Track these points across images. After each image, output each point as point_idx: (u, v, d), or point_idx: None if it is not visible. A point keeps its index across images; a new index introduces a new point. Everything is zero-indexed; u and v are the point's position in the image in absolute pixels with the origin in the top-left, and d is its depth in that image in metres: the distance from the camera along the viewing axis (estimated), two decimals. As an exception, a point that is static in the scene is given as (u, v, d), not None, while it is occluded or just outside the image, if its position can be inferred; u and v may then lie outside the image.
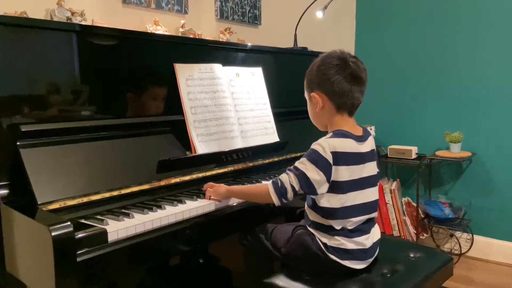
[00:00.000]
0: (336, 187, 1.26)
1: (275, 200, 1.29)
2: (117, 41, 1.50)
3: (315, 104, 1.34)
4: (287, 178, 1.27)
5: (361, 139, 1.31)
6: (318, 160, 1.24)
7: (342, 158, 1.25)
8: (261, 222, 1.53)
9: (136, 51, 1.57)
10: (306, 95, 1.39)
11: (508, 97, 2.66)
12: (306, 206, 1.37)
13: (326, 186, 1.25)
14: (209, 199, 1.41)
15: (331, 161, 1.24)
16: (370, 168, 1.34)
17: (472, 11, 2.75)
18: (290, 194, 1.27)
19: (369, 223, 1.34)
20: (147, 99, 1.58)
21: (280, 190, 1.28)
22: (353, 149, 1.28)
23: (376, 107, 3.06)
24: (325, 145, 1.24)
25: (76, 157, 1.30)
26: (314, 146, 1.27)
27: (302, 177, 1.25)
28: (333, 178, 1.25)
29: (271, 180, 1.32)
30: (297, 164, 1.28)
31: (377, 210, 1.38)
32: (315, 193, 1.27)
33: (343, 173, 1.26)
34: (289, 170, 1.29)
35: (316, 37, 2.88)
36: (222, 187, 1.42)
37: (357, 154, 1.29)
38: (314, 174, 1.24)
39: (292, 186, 1.26)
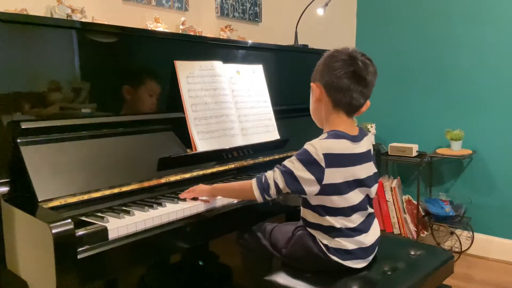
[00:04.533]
0: (330, 189, 1.23)
1: (257, 195, 1.26)
2: (117, 38, 1.49)
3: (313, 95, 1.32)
4: (272, 174, 1.25)
5: (356, 139, 1.28)
6: (308, 161, 1.21)
7: (336, 160, 1.22)
8: (263, 219, 1.53)
9: (136, 48, 1.56)
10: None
11: (509, 95, 2.65)
12: (301, 208, 1.34)
13: (316, 188, 1.22)
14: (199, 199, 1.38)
15: (323, 163, 1.20)
16: (367, 169, 1.30)
17: (473, 9, 2.75)
18: (273, 191, 1.24)
19: (368, 220, 1.32)
20: (148, 97, 1.58)
21: (263, 186, 1.25)
22: (347, 150, 1.25)
23: (377, 105, 3.02)
24: (318, 147, 1.21)
25: (77, 154, 1.30)
26: (307, 146, 1.23)
27: (287, 174, 1.22)
28: (326, 181, 1.21)
29: (256, 176, 1.30)
30: (285, 162, 1.25)
31: (372, 205, 1.35)
32: (303, 192, 1.23)
33: (336, 175, 1.22)
34: (277, 167, 1.26)
35: (317, 35, 2.88)
36: (202, 186, 1.39)
37: (351, 155, 1.25)
38: (302, 173, 1.20)
39: (276, 183, 1.24)
